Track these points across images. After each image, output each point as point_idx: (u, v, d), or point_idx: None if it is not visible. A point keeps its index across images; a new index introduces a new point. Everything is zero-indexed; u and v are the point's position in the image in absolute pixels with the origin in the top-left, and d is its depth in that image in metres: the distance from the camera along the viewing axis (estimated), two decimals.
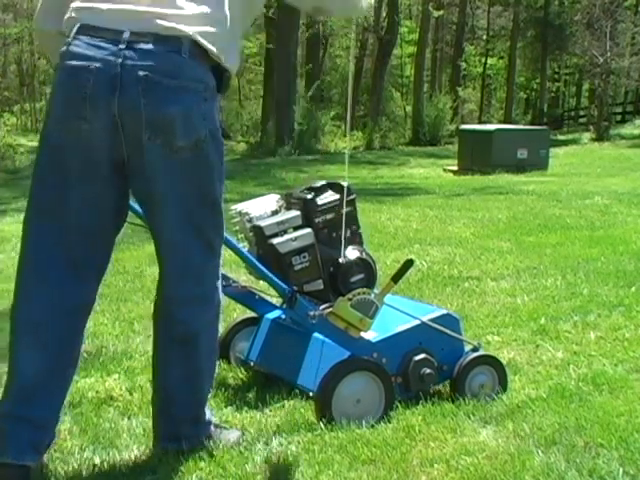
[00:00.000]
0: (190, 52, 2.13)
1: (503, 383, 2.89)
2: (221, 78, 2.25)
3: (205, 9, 2.17)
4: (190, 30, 2.13)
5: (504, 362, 2.99)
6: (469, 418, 2.63)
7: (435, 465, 2.28)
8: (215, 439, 2.39)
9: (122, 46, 2.09)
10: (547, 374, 3.16)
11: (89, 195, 2.19)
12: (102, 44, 2.10)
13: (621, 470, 2.24)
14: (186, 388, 2.34)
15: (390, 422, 2.57)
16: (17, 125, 32.68)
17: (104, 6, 2.15)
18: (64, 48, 2.15)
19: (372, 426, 2.53)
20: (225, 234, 2.52)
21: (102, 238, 2.28)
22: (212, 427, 2.42)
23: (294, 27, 20.83)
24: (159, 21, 2.12)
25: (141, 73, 2.07)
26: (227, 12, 2.21)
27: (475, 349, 2.89)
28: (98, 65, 2.08)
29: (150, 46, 2.10)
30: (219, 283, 2.36)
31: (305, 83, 25.16)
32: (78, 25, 2.15)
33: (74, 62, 2.12)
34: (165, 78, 2.09)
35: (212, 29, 2.17)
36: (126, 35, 2.10)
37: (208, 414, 2.43)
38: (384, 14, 27.14)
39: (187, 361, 2.32)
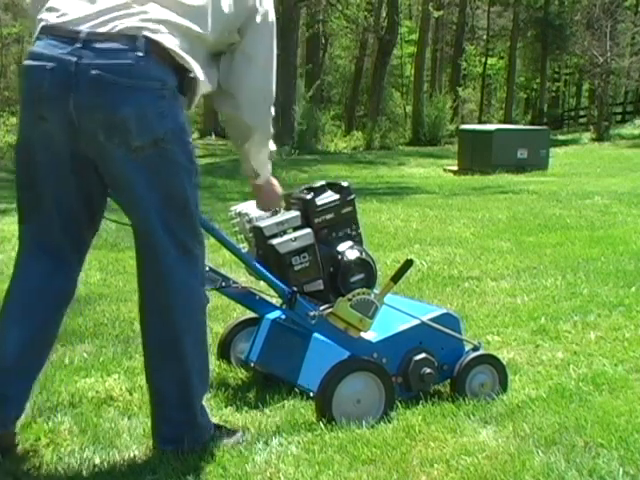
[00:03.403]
0: (146, 50, 2.11)
1: (503, 383, 2.89)
2: (184, 80, 2.21)
3: (167, 12, 2.17)
4: (147, 28, 2.13)
5: (504, 361, 2.99)
6: (469, 418, 2.63)
7: (435, 465, 2.28)
8: (216, 439, 2.39)
9: (78, 45, 2.09)
10: (547, 374, 3.16)
11: (60, 192, 2.25)
12: (59, 43, 2.11)
13: (621, 470, 2.24)
14: (176, 390, 2.34)
15: (390, 422, 2.57)
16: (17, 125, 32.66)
17: (65, 7, 2.19)
18: (29, 48, 2.20)
19: (372, 426, 2.53)
20: (224, 234, 2.53)
21: (78, 231, 2.34)
22: (212, 430, 2.41)
23: (294, 27, 20.83)
24: (116, 20, 2.13)
25: (94, 72, 2.07)
26: (198, 28, 2.21)
27: (475, 348, 2.88)
28: (54, 64, 2.10)
29: (106, 45, 2.10)
30: (199, 285, 2.35)
31: (305, 83, 25.14)
32: (41, 25, 2.19)
33: (33, 62, 2.15)
34: (119, 77, 2.09)
35: (173, 30, 2.17)
36: (83, 34, 2.11)
37: (207, 418, 2.41)
38: (384, 14, 27.13)
39: (173, 364, 2.32)
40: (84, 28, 2.12)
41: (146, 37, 2.12)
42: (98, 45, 2.09)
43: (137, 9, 2.16)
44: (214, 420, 2.49)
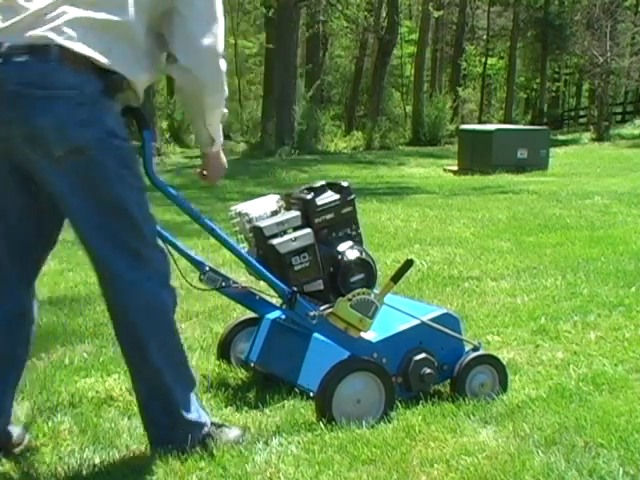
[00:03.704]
0: (59, 59, 2.11)
1: (503, 383, 2.88)
2: (108, 82, 2.19)
3: (81, 11, 2.15)
4: (61, 35, 2.12)
5: (504, 361, 2.99)
6: (469, 418, 2.63)
7: (435, 465, 2.28)
8: (215, 438, 2.38)
9: (0, 60, 2.11)
10: (547, 374, 3.15)
11: (3, 211, 2.27)
12: None
13: (621, 470, 2.24)
14: (151, 392, 2.36)
15: (390, 422, 2.57)
16: None
17: None
18: None
19: (372, 426, 2.53)
20: (224, 235, 2.52)
21: (26, 252, 2.33)
22: (208, 427, 2.40)
23: (294, 27, 20.81)
24: (32, 32, 2.13)
25: (10, 87, 2.09)
26: (117, 17, 2.18)
27: (475, 348, 2.88)
28: None
29: (22, 58, 2.10)
30: (156, 286, 2.31)
31: (305, 83, 25.14)
32: None
33: None
34: (34, 89, 2.09)
35: (91, 29, 2.15)
36: (4, 49, 2.11)
37: (198, 415, 2.40)
38: (384, 14, 27.13)
39: (142, 368, 2.34)
40: (5, 42, 2.12)
41: (59, 46, 2.11)
42: (15, 59, 2.10)
43: (51, 15, 2.15)
44: (215, 419, 2.49)
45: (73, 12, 2.15)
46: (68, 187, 2.18)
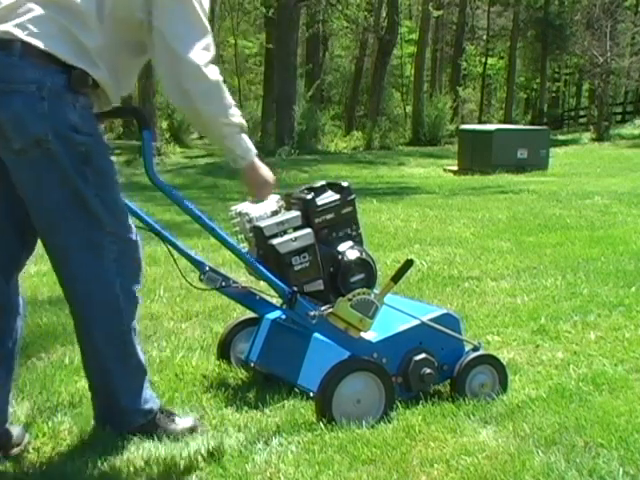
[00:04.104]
0: (21, 54, 2.15)
1: (503, 383, 2.88)
2: (71, 75, 2.21)
3: (46, 9, 2.19)
4: (22, 32, 2.16)
5: (504, 362, 2.98)
6: (469, 418, 2.63)
7: (435, 465, 2.28)
8: (161, 426, 2.46)
9: None
10: (547, 374, 3.15)
11: None
12: None
13: (621, 470, 2.24)
14: (96, 376, 2.46)
15: (390, 422, 2.57)
16: None
17: None
18: None
19: (372, 426, 2.53)
20: (224, 234, 2.51)
21: (6, 239, 2.35)
22: (152, 415, 2.47)
23: (294, 27, 20.81)
24: (1, 26, 2.17)
25: None
26: (72, 17, 2.20)
27: (475, 348, 2.88)
28: None
29: None
30: (110, 277, 2.34)
31: (305, 83, 25.14)
32: None
33: None
34: None
35: (54, 26, 2.18)
36: None
37: (141, 402, 2.46)
38: (384, 14, 27.12)
39: (88, 349, 2.44)
40: None
41: (21, 41, 2.15)
42: None
43: (19, 11, 2.19)
44: (158, 406, 2.52)
45: (40, 9, 2.18)
46: (28, 178, 2.23)
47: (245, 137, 2.43)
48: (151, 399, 2.50)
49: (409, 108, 30.68)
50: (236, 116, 2.38)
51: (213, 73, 2.31)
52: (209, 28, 2.34)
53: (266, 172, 2.51)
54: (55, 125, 2.18)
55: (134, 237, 2.40)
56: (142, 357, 2.50)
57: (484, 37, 37.47)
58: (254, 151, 2.47)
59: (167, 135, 21.88)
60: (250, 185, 2.55)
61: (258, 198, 2.63)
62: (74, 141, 2.22)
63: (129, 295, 2.39)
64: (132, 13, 2.27)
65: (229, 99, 2.36)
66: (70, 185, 2.24)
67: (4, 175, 2.26)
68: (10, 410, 2.45)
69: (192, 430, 2.51)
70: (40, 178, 2.22)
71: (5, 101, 2.15)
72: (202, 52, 2.28)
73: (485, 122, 29.85)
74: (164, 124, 23.12)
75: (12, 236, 2.36)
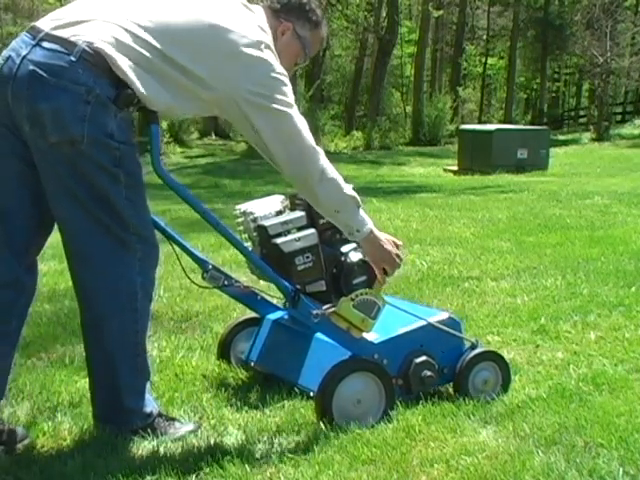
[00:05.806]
0: (80, 57, 2.21)
1: (506, 379, 2.88)
2: (120, 92, 2.25)
3: (124, 31, 2.27)
4: (91, 39, 2.22)
5: (506, 357, 2.98)
6: (469, 418, 2.63)
7: (435, 465, 2.28)
8: (159, 430, 2.47)
9: (33, 42, 2.25)
10: (547, 374, 3.15)
11: (5, 174, 2.34)
12: (25, 38, 2.28)
13: (621, 470, 2.24)
14: (101, 372, 2.46)
15: (390, 422, 2.57)
16: None
17: (56, 15, 2.34)
18: None
19: (372, 426, 2.53)
20: (229, 230, 2.55)
21: (21, 219, 2.37)
22: (152, 419, 2.48)
23: None
24: (70, 27, 2.26)
25: (30, 67, 2.21)
26: (148, 51, 2.27)
27: (474, 346, 2.87)
28: (11, 54, 2.27)
29: (50, 45, 2.23)
30: (132, 274, 2.37)
31: (305, 83, 25.14)
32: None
33: (5, 51, 2.32)
34: (48, 75, 2.20)
35: (124, 45, 2.24)
36: (42, 34, 2.26)
37: (143, 405, 2.47)
38: (384, 14, 27.12)
39: (97, 345, 2.43)
40: (47, 29, 2.26)
41: (86, 44, 2.21)
42: (45, 44, 2.23)
43: (97, 24, 2.27)
44: (157, 411, 2.53)
45: (117, 29, 2.27)
46: (61, 168, 2.26)
47: (361, 211, 2.53)
48: (150, 403, 2.52)
49: (409, 108, 30.68)
50: (348, 188, 2.51)
51: (311, 158, 2.43)
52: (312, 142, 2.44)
53: (382, 244, 2.58)
54: (92, 130, 2.23)
55: (157, 243, 2.45)
56: (148, 360, 2.52)
57: (484, 37, 37.48)
58: (369, 224, 2.55)
59: (167, 135, 21.89)
60: (370, 256, 2.66)
61: (390, 271, 2.64)
62: (109, 145, 2.27)
63: (147, 296, 2.43)
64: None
65: (333, 176, 2.46)
66: (99, 184, 2.27)
67: (28, 160, 2.29)
68: (10, 410, 2.46)
69: (190, 433, 2.50)
70: (72, 170, 2.25)
71: (52, 94, 2.20)
72: (300, 161, 2.43)
73: (485, 122, 29.84)
74: (164, 124, 23.12)
75: (29, 219, 2.38)
